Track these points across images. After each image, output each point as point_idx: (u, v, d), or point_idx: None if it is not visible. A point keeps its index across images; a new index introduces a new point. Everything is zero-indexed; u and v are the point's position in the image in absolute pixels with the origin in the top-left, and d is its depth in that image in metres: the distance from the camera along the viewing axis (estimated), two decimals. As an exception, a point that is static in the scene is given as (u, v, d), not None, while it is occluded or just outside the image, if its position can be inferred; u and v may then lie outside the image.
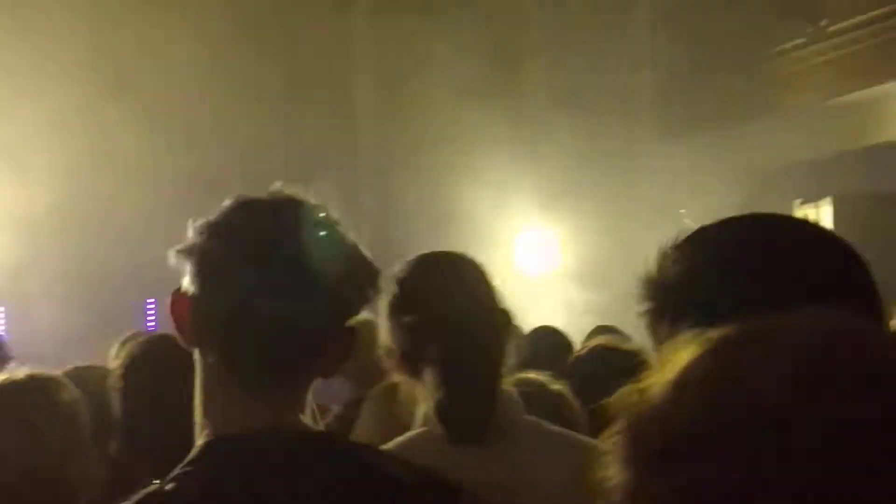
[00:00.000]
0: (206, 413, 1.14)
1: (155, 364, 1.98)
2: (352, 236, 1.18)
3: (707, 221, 0.96)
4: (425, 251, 1.83)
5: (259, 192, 1.18)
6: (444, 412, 1.60)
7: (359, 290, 1.17)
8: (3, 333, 3.88)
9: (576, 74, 7.75)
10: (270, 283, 1.10)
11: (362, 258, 1.17)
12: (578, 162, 7.56)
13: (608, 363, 2.70)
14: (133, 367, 2.02)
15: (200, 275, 1.12)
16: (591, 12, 7.71)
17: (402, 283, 1.70)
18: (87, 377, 2.70)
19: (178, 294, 1.14)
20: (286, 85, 7.78)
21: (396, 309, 1.67)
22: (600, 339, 3.17)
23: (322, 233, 1.14)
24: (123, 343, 3.55)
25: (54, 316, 6.70)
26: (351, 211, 1.42)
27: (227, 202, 1.15)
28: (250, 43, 7.54)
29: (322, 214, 1.16)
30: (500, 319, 1.71)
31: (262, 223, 1.13)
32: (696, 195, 5.91)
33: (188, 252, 1.13)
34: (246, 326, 1.11)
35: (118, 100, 6.77)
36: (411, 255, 1.79)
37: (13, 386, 1.88)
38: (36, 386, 1.89)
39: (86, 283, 7.13)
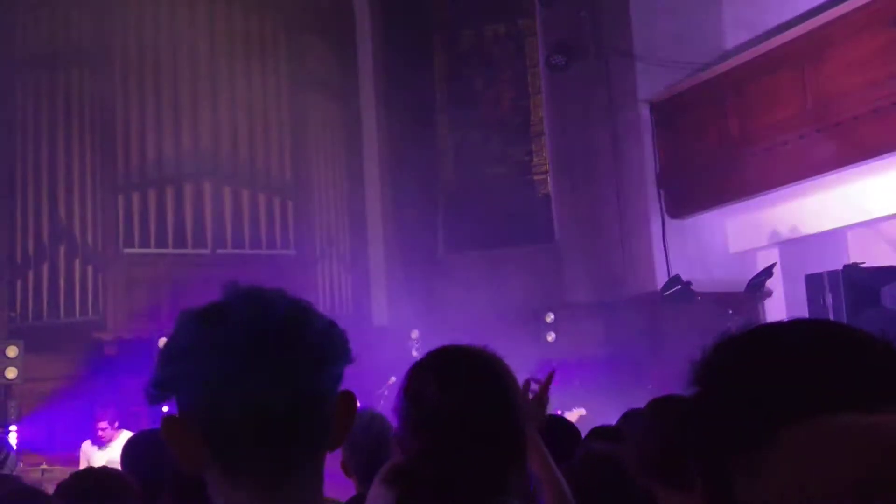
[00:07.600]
0: None
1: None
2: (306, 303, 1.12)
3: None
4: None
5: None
6: None
7: (335, 361, 1.10)
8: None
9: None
10: (243, 381, 1.03)
11: (331, 325, 1.11)
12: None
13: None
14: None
15: (180, 395, 1.07)
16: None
17: (416, 374, 1.75)
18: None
19: (167, 420, 1.07)
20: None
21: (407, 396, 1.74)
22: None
23: (279, 310, 1.08)
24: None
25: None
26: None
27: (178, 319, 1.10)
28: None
29: (273, 294, 1.10)
30: (508, 435, 1.71)
31: (211, 326, 1.06)
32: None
33: (160, 383, 1.08)
34: (225, 427, 1.04)
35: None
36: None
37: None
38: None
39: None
